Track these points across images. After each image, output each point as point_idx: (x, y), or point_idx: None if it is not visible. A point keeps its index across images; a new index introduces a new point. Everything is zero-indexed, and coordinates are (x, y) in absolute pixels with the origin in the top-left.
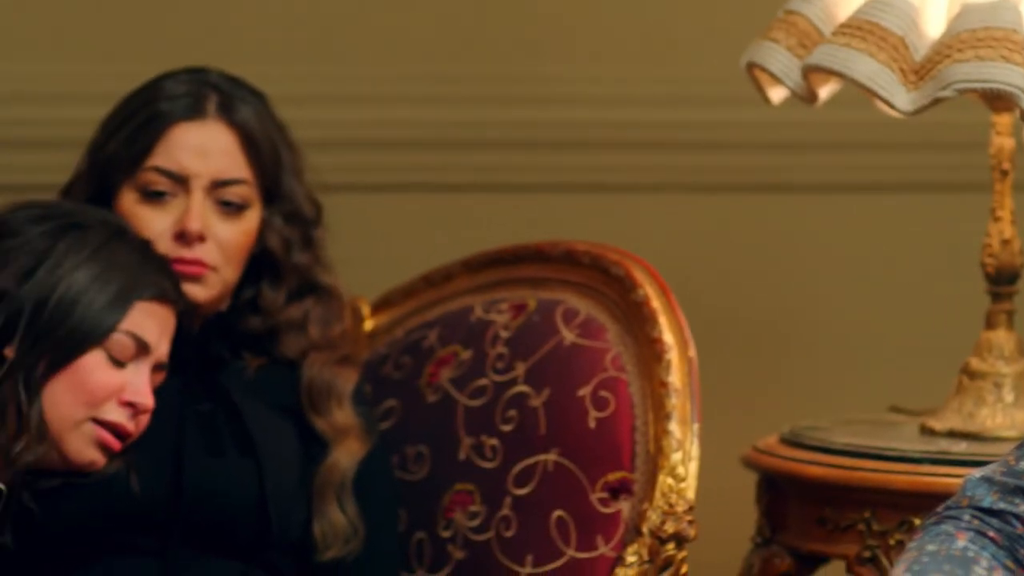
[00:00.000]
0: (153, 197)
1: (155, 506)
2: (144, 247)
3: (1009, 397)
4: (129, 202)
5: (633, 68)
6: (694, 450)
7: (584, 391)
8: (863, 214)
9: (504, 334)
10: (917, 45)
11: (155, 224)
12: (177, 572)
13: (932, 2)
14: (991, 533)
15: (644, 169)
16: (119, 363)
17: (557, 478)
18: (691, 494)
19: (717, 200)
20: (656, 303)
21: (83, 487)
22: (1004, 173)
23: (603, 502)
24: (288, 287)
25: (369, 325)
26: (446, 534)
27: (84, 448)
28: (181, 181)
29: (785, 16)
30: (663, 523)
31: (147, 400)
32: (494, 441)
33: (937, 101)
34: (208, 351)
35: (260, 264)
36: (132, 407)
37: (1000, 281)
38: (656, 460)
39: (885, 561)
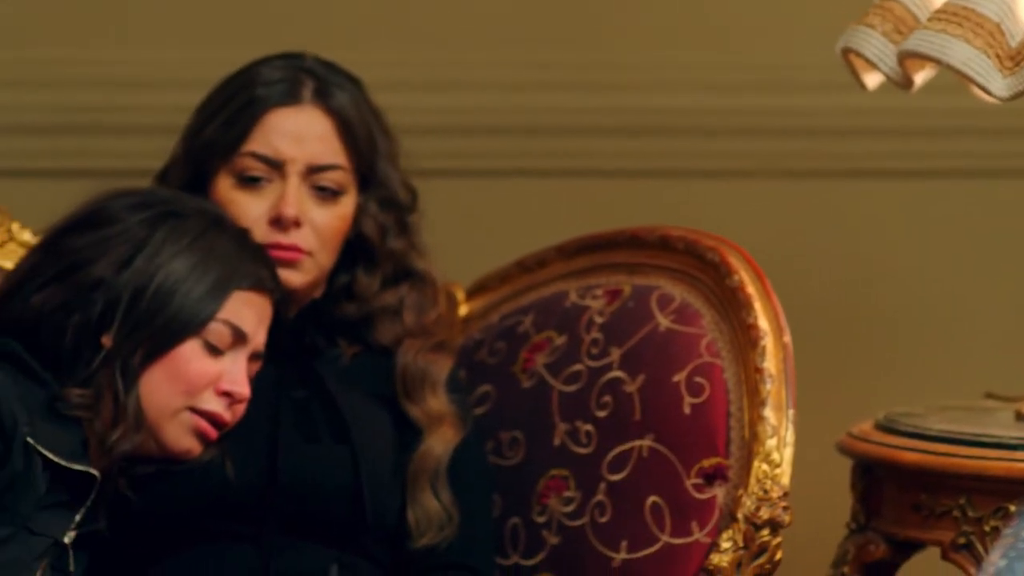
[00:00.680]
0: (249, 182)
1: (250, 493)
2: (242, 236)
3: None
4: (225, 187)
5: (729, 54)
6: (789, 436)
7: (679, 377)
8: (959, 200)
9: (599, 320)
10: (1013, 31)
11: (251, 209)
12: (272, 558)
13: None
14: None
15: (740, 155)
16: (216, 352)
17: (652, 464)
18: (786, 480)
19: (812, 186)
20: (751, 289)
21: (179, 474)
22: None
23: (698, 488)
24: (383, 273)
25: (464, 311)
26: (541, 520)
27: (181, 437)
28: (277, 166)
29: (881, 2)
30: (758, 509)
31: (244, 389)
32: (589, 427)
33: None
34: (303, 339)
35: (355, 250)
36: (229, 396)
37: None
38: (751, 446)
39: (980, 547)
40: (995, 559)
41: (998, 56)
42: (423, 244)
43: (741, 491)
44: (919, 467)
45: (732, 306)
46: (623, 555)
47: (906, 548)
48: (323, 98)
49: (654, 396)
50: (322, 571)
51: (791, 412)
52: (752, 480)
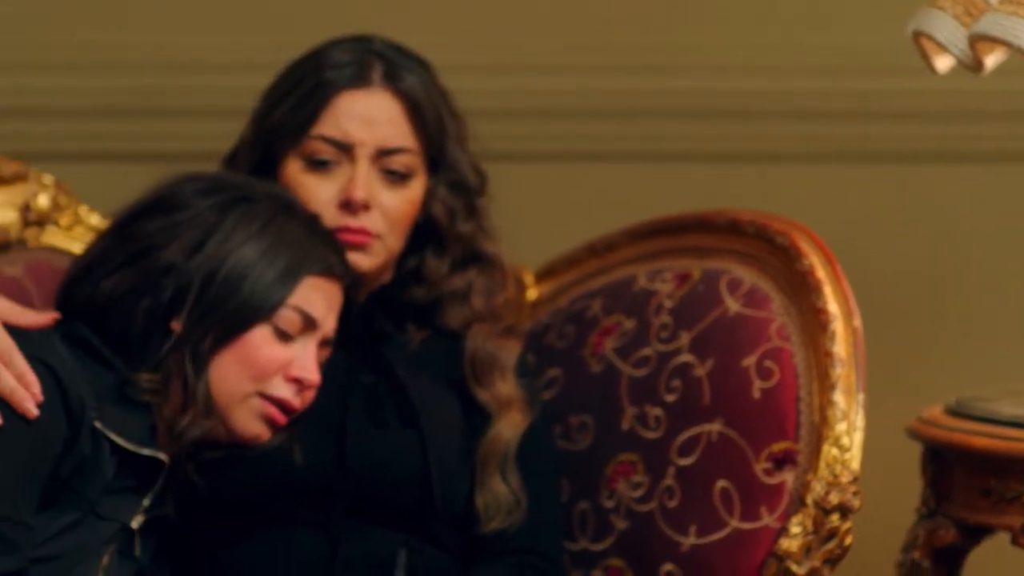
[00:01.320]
0: (318, 166)
1: (319, 478)
2: (312, 222)
3: None
4: (294, 170)
5: (798, 37)
6: (859, 421)
7: (749, 361)
8: None
9: (668, 304)
10: None
11: (320, 192)
12: (340, 543)
13: None
14: None
15: (809, 139)
16: (286, 338)
17: (721, 448)
18: (855, 465)
19: (882, 170)
20: (821, 273)
21: (247, 459)
22: None
23: (767, 472)
24: (452, 257)
25: (532, 294)
26: (609, 504)
27: (250, 422)
28: (346, 149)
29: None
30: (827, 494)
31: (313, 376)
32: (658, 411)
33: None
34: (372, 324)
35: (424, 234)
36: (298, 383)
37: None
38: (820, 431)
39: None
40: None
41: None
42: (492, 227)
43: (811, 476)
44: (989, 452)
45: (802, 290)
46: (692, 540)
47: (976, 533)
48: (392, 81)
49: (723, 380)
50: (390, 556)
51: (861, 396)
52: (822, 465)
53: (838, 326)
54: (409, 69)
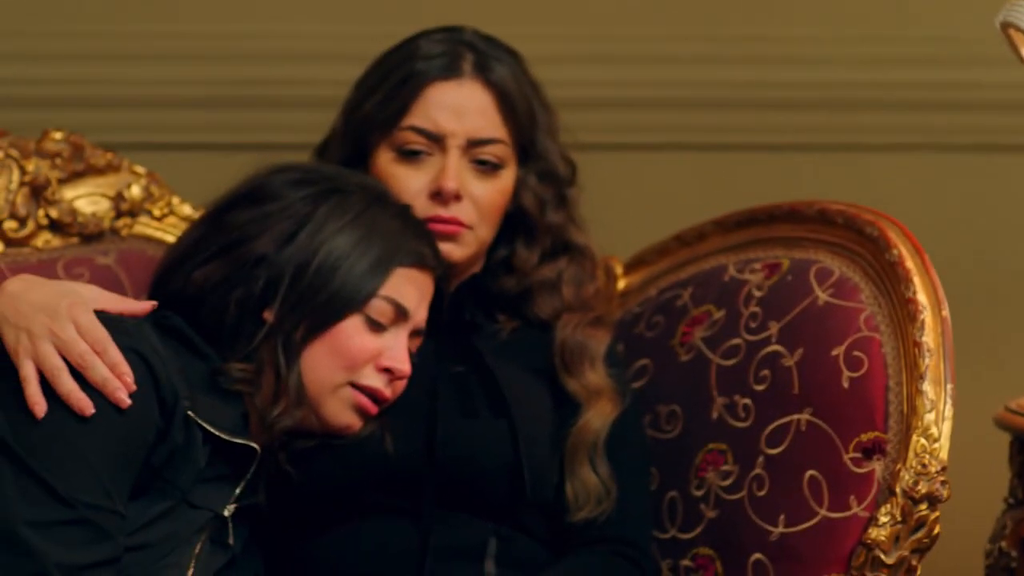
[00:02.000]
0: (409, 156)
1: (409, 467)
2: (404, 213)
3: None
4: (385, 161)
5: (887, 28)
6: (947, 410)
7: (838, 351)
8: None
9: (758, 293)
10: None
11: (411, 183)
12: (430, 532)
13: None
14: None
15: (897, 129)
16: (378, 329)
17: (810, 438)
18: (944, 455)
19: (970, 160)
20: (910, 263)
21: (338, 449)
22: None
23: (856, 462)
24: (542, 247)
25: (622, 284)
26: (698, 493)
27: (341, 412)
28: (437, 140)
29: None
30: (916, 483)
31: (405, 366)
32: (747, 400)
33: None
34: (462, 314)
35: (514, 224)
36: (389, 373)
37: None
38: (909, 420)
39: None
40: None
41: None
42: (582, 218)
43: (899, 465)
44: None
45: (891, 280)
46: (781, 529)
47: None
48: (483, 72)
49: (812, 370)
50: (480, 544)
51: (950, 386)
52: (910, 454)
53: (927, 316)
54: (499, 60)
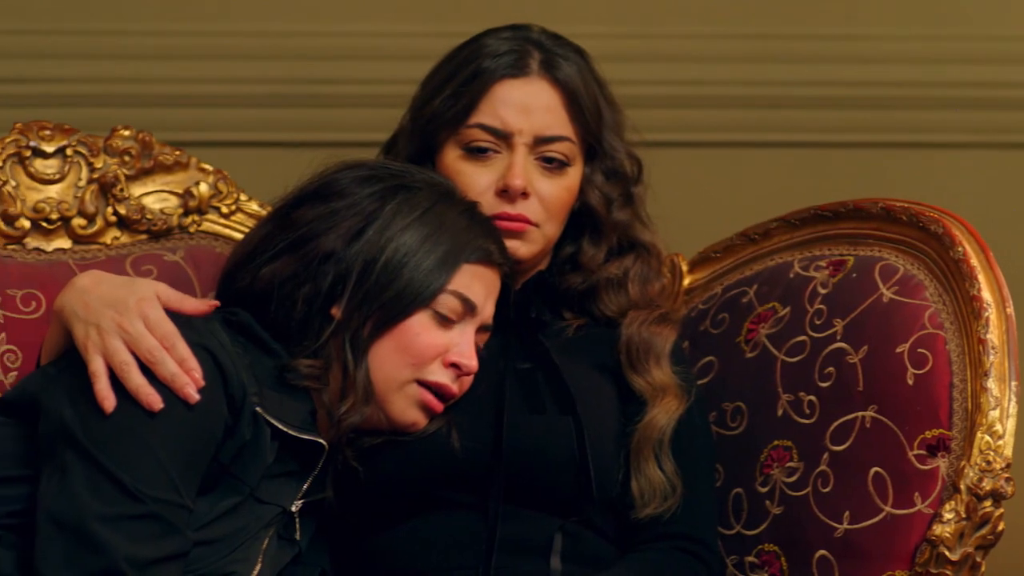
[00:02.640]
0: (476, 153)
1: (476, 463)
2: (471, 209)
3: None
4: (452, 158)
5: (951, 27)
6: (1012, 408)
7: (902, 348)
8: None
9: (823, 291)
10: None
11: (478, 180)
12: (497, 527)
13: None
14: None
15: (962, 127)
16: (445, 324)
17: (874, 435)
18: (1009, 452)
19: None
20: (975, 260)
21: (405, 445)
22: None
23: (920, 459)
24: (608, 244)
25: (687, 281)
26: (763, 490)
27: (407, 409)
28: (504, 138)
29: None
30: (980, 480)
31: (472, 362)
32: (812, 397)
33: None
34: (529, 311)
35: (580, 221)
36: (456, 368)
37: None
38: (974, 418)
39: None
40: None
41: None
42: (648, 215)
43: (964, 462)
44: None
45: (955, 277)
46: (845, 525)
47: None
48: (550, 69)
49: (877, 367)
50: (546, 540)
51: (1014, 384)
52: (975, 451)
53: (992, 314)
54: (566, 58)
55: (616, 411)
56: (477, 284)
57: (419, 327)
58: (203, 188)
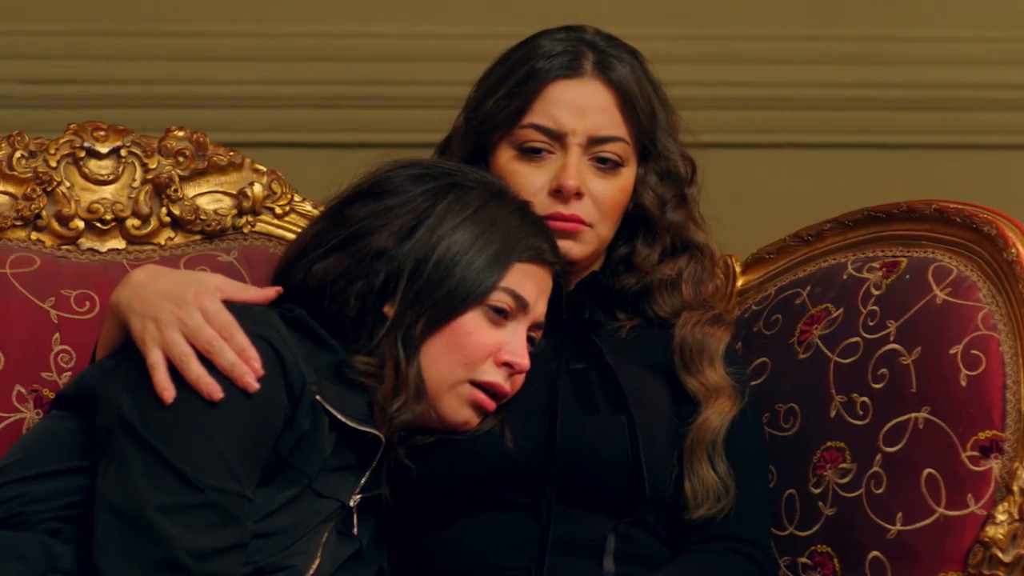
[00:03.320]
0: (530, 154)
1: (529, 463)
2: (523, 208)
3: None
4: (505, 159)
5: (1003, 29)
6: None
7: (955, 349)
8: None
9: (876, 292)
10: None
11: (532, 181)
12: (550, 527)
13: None
14: None
15: (1016, 129)
16: (497, 323)
17: (927, 436)
18: None
19: None
20: None
21: (459, 444)
22: None
23: (973, 460)
24: (662, 245)
25: (740, 283)
26: (816, 491)
27: (459, 409)
28: (558, 138)
29: None
30: None
31: (524, 360)
32: (865, 398)
33: None
34: (582, 311)
35: (634, 222)
36: (509, 367)
37: None
38: None
39: None
40: None
41: None
42: (701, 216)
43: (1017, 464)
44: None
45: (1009, 279)
46: (898, 527)
47: None
48: (604, 70)
49: (930, 368)
50: (599, 541)
51: None
52: None
53: None
54: (620, 59)
55: (669, 411)
56: (529, 282)
57: (471, 326)
58: (257, 189)
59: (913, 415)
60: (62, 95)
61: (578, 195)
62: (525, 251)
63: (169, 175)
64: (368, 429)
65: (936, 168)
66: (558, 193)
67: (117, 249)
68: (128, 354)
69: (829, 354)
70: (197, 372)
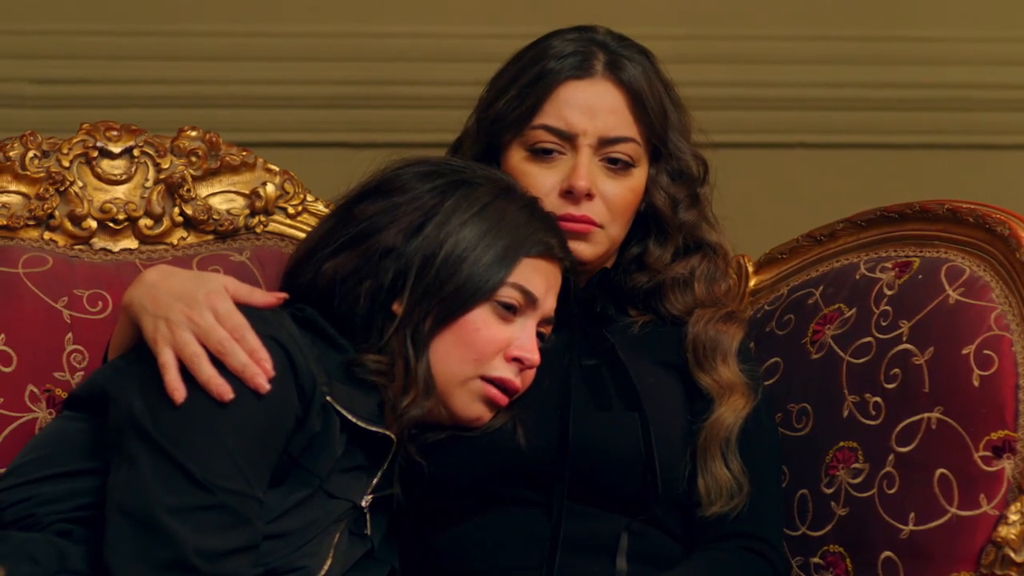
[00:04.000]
0: (541, 155)
1: (541, 460)
2: (531, 204)
3: None
4: (516, 159)
5: (1016, 29)
6: None
7: (968, 350)
8: None
9: (888, 292)
10: None
11: (542, 181)
12: (562, 525)
13: None
14: None
15: None
16: (506, 318)
17: (940, 436)
18: None
19: None
20: None
21: (469, 441)
22: None
23: (986, 460)
24: (674, 245)
25: (753, 282)
26: (829, 491)
27: (470, 404)
28: (569, 139)
29: None
30: None
31: (533, 355)
32: (877, 399)
33: None
34: (594, 308)
35: (646, 222)
36: (519, 362)
37: None
38: None
39: None
40: None
41: None
42: (714, 216)
43: None
44: None
45: (1021, 279)
46: (911, 527)
47: None
48: (615, 71)
49: (943, 368)
50: (612, 538)
51: None
52: None
53: None
54: (631, 59)
55: (682, 408)
56: (537, 277)
57: (480, 321)
58: (270, 189)
59: (926, 415)
60: (75, 95)
61: (589, 196)
62: (533, 246)
63: (182, 175)
64: (378, 429)
65: (949, 168)
66: (569, 194)
67: (130, 249)
68: (140, 354)
69: (842, 354)
70: (208, 373)
